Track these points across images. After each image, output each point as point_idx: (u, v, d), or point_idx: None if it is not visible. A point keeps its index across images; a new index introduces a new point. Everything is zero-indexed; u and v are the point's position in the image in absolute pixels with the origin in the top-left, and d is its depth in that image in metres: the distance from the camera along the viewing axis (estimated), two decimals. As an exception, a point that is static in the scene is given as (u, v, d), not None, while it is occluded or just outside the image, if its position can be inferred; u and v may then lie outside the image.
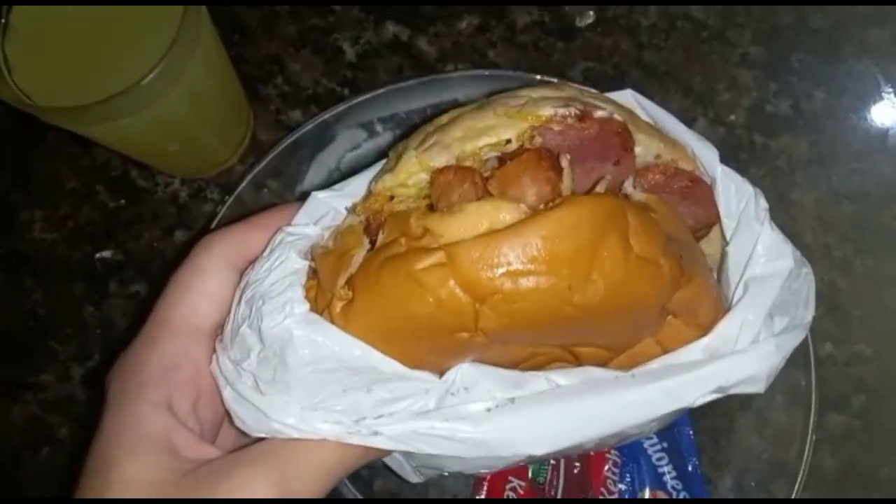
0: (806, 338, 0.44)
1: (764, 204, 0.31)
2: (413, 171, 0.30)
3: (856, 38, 0.52)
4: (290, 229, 0.29)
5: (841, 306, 0.49)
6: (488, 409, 0.27)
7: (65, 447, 0.47)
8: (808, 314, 0.32)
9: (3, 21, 0.38)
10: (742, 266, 0.31)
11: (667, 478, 0.42)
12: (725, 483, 0.45)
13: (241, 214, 0.36)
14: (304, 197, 0.31)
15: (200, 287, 0.28)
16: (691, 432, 0.45)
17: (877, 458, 0.47)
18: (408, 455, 0.34)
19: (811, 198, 0.50)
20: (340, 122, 0.48)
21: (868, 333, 0.48)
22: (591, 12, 0.53)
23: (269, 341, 0.27)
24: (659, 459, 0.43)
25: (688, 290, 0.28)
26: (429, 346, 0.27)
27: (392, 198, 0.30)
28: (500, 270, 0.25)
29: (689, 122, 0.51)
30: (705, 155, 0.32)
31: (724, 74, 0.52)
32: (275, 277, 0.28)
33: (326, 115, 0.47)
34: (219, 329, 0.29)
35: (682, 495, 0.42)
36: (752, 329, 0.29)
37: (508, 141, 0.29)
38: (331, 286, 0.27)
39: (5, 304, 0.49)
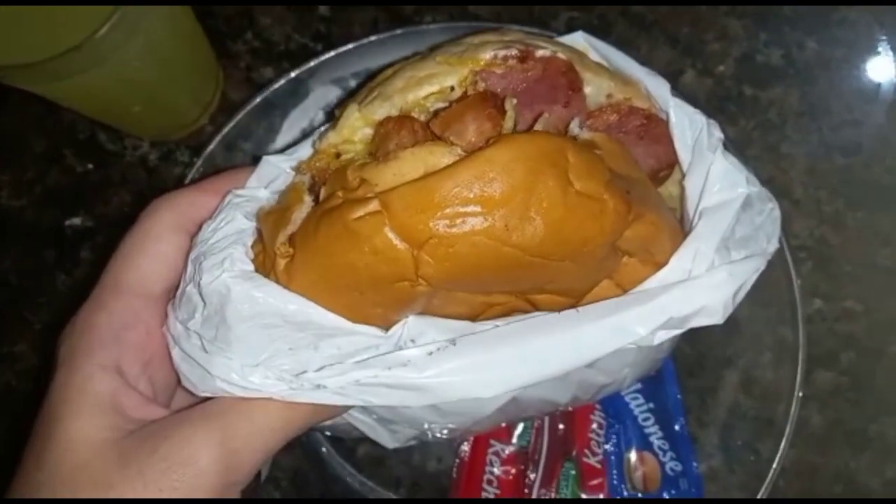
0: (794, 293, 0.44)
1: (718, 134, 0.30)
2: (357, 125, 0.29)
3: (851, -16, 0.50)
4: (239, 191, 0.29)
5: (831, 262, 0.48)
6: (430, 353, 0.26)
7: (41, 417, 0.46)
8: (771, 246, 0.31)
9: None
10: (697, 198, 0.30)
11: (653, 438, 0.42)
12: (712, 442, 0.45)
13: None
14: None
15: (150, 250, 0.28)
16: (678, 392, 0.44)
17: (865, 414, 0.46)
18: (368, 413, 0.33)
19: (802, 151, 0.49)
20: (313, 79, 0.46)
21: (858, 289, 0.47)
22: (576, -40, 0.51)
23: (209, 297, 0.26)
24: (645, 420, 0.42)
25: (639, 228, 0.28)
26: (373, 298, 0.26)
27: (339, 155, 0.29)
28: (434, 214, 0.25)
29: (677, 74, 0.50)
30: (658, 90, 0.31)
31: (713, 24, 0.50)
32: (219, 237, 0.27)
33: (298, 72, 0.45)
34: (170, 293, 0.28)
35: (668, 455, 0.41)
36: (706, 259, 0.28)
37: (452, 88, 0.28)
38: (273, 244, 0.27)
39: (-26, 273, 0.48)
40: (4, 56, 0.34)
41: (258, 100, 0.44)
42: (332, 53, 0.45)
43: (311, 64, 0.45)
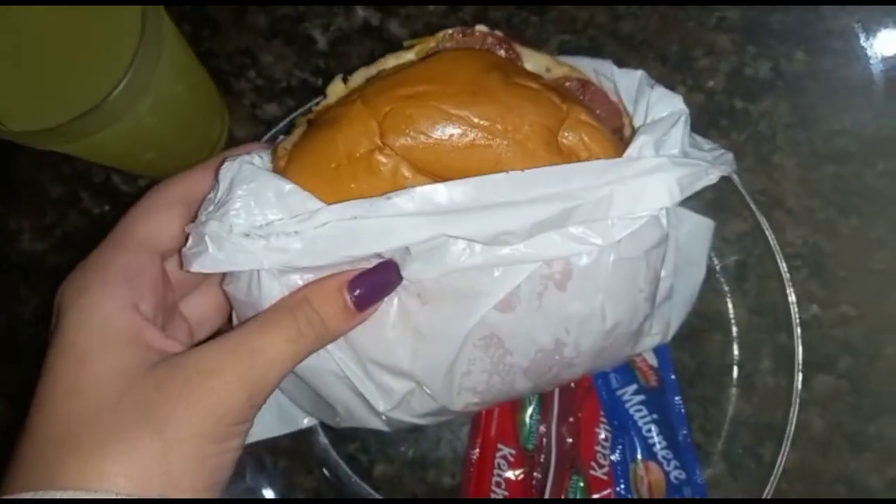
0: (790, 300, 0.46)
1: (650, 80, 0.36)
2: (339, 90, 0.37)
3: (835, -6, 0.51)
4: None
5: (826, 269, 0.49)
6: (388, 199, 0.32)
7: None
8: (719, 166, 0.35)
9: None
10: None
11: (657, 448, 0.43)
12: (715, 449, 0.46)
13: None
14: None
15: (156, 215, 0.32)
16: (681, 402, 0.46)
17: (864, 416, 0.48)
18: (359, 363, 0.37)
19: (793, 161, 0.50)
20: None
21: (853, 294, 0.48)
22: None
23: (223, 178, 0.33)
24: (648, 431, 0.44)
25: (577, 126, 0.34)
26: (349, 171, 0.33)
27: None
28: (395, 92, 0.33)
29: (668, 91, 0.51)
30: (603, 68, 0.38)
31: (701, 40, 0.51)
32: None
33: (301, 111, 0.46)
34: (174, 258, 0.33)
35: (672, 464, 0.43)
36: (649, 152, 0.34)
37: (412, 59, 0.37)
38: (276, 154, 0.35)
39: (5, 313, 0.50)
40: (21, 122, 0.36)
41: (265, 140, 0.46)
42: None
43: (312, 103, 0.47)
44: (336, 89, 0.38)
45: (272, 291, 0.35)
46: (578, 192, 0.33)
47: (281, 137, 0.40)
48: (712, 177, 0.35)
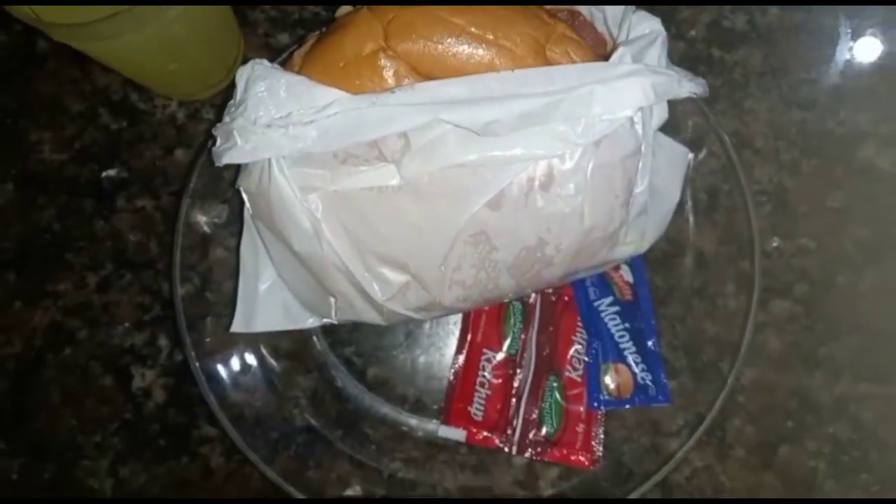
0: (752, 231, 0.50)
1: (633, 8, 0.41)
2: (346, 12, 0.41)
3: (808, -45, 0.55)
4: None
5: (788, 204, 0.53)
6: (392, 92, 0.37)
7: (84, 347, 0.52)
8: (689, 85, 0.39)
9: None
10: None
11: (627, 353, 0.48)
12: (681, 362, 0.50)
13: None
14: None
15: None
16: (652, 317, 0.50)
17: (816, 338, 0.52)
18: (361, 294, 0.41)
19: (764, 106, 0.54)
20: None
21: (811, 228, 0.53)
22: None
23: (239, 80, 0.38)
24: (621, 337, 0.48)
25: (563, 41, 0.39)
26: (355, 70, 0.38)
27: None
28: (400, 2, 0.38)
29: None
30: (596, 6, 0.43)
31: (684, -9, 0.55)
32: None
33: (312, 36, 0.50)
34: None
35: (640, 367, 0.47)
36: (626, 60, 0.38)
37: None
38: (290, 61, 0.41)
39: (22, 221, 0.53)
40: (60, 16, 0.39)
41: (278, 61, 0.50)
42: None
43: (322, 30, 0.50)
44: (344, 9, 0.42)
45: (279, 182, 0.39)
46: (562, 91, 0.37)
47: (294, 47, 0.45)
48: (685, 89, 0.39)
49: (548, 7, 0.44)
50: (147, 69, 0.47)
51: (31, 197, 0.54)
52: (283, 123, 0.38)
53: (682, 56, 0.55)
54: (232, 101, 0.41)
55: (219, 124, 0.40)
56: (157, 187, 0.53)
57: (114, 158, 0.54)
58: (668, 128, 0.43)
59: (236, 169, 0.43)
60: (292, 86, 0.39)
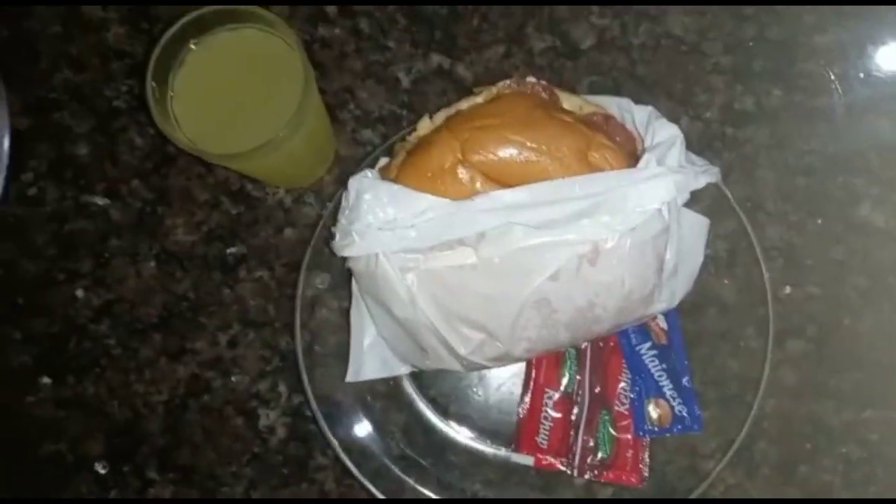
0: (764, 281, 0.59)
1: (657, 114, 0.51)
2: (426, 125, 0.53)
3: (806, 45, 0.65)
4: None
5: (797, 258, 0.63)
6: (472, 199, 0.49)
7: (219, 394, 0.63)
8: (709, 175, 0.50)
9: (171, 92, 0.53)
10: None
11: (665, 389, 0.57)
12: (711, 395, 0.60)
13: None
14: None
15: None
16: (685, 357, 0.59)
17: (826, 372, 0.61)
18: (442, 313, 0.51)
19: (772, 175, 0.64)
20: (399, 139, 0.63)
21: (818, 278, 0.62)
22: (594, 32, 0.67)
23: (350, 190, 0.49)
24: (660, 377, 0.58)
25: (603, 150, 0.49)
26: (440, 179, 0.49)
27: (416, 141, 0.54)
28: (473, 123, 0.48)
29: (675, 120, 0.65)
30: (624, 105, 0.54)
31: (700, 80, 0.65)
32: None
33: (394, 140, 0.61)
34: None
35: (677, 401, 0.57)
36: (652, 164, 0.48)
37: (480, 102, 0.52)
38: (387, 171, 0.51)
39: (163, 292, 0.66)
40: (220, 147, 0.51)
41: (367, 160, 0.61)
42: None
43: (404, 132, 0.62)
44: (424, 123, 0.54)
45: (384, 266, 0.50)
46: (603, 192, 0.48)
47: (383, 159, 0.56)
48: (701, 181, 0.50)
49: (587, 112, 0.55)
50: (270, 175, 0.59)
51: (169, 271, 0.66)
52: (391, 227, 0.49)
53: (700, 135, 0.65)
54: (345, 204, 0.52)
55: (338, 224, 0.52)
56: (272, 260, 0.65)
57: (235, 237, 0.66)
58: (691, 199, 0.53)
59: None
60: (393, 194, 0.50)
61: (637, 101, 0.65)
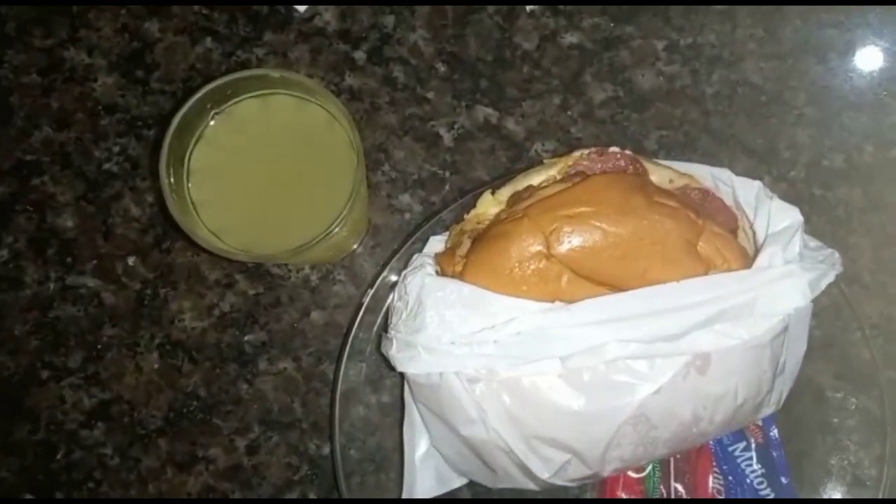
0: (875, 368, 0.52)
1: (768, 192, 0.45)
2: (489, 203, 0.47)
3: (898, 93, 0.58)
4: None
5: (899, 336, 0.56)
6: (568, 309, 0.41)
7: (239, 510, 0.54)
8: (837, 266, 0.44)
9: (187, 168, 0.44)
10: (764, 233, 0.45)
11: (762, 493, 0.50)
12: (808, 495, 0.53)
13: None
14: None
15: None
16: (784, 455, 0.52)
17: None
18: (523, 437, 0.44)
19: (867, 242, 0.57)
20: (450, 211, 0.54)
21: (924, 359, 0.55)
22: (661, 79, 0.59)
23: (410, 291, 0.42)
24: (759, 484, 0.50)
25: (711, 237, 0.42)
26: (521, 276, 0.42)
27: (479, 222, 0.47)
28: (558, 212, 0.41)
29: (755, 178, 0.58)
30: (722, 175, 0.47)
31: (783, 134, 0.58)
32: (412, 265, 0.45)
33: (444, 213, 0.53)
34: None
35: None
36: (779, 260, 0.42)
37: (556, 176, 0.46)
38: (450, 261, 0.44)
39: (169, 388, 0.56)
40: (259, 248, 0.42)
41: (410, 242, 0.52)
42: (467, 197, 0.53)
43: (453, 206, 0.53)
44: (486, 200, 0.47)
45: (450, 380, 0.42)
46: (725, 298, 0.40)
47: (433, 239, 0.49)
48: (831, 276, 0.42)
49: (680, 186, 0.47)
50: (297, 259, 0.50)
51: (175, 365, 0.56)
52: (466, 341, 0.40)
53: (784, 196, 0.56)
54: (400, 305, 0.44)
55: (394, 331, 0.43)
56: (297, 349, 0.56)
57: (253, 323, 0.57)
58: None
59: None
60: (466, 298, 0.41)
61: (712, 157, 0.58)
